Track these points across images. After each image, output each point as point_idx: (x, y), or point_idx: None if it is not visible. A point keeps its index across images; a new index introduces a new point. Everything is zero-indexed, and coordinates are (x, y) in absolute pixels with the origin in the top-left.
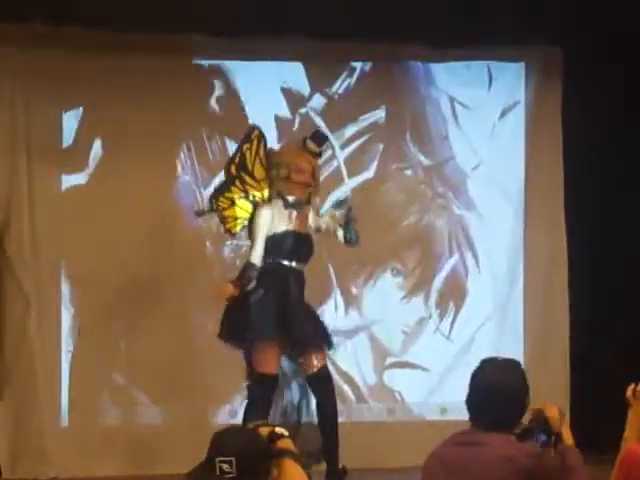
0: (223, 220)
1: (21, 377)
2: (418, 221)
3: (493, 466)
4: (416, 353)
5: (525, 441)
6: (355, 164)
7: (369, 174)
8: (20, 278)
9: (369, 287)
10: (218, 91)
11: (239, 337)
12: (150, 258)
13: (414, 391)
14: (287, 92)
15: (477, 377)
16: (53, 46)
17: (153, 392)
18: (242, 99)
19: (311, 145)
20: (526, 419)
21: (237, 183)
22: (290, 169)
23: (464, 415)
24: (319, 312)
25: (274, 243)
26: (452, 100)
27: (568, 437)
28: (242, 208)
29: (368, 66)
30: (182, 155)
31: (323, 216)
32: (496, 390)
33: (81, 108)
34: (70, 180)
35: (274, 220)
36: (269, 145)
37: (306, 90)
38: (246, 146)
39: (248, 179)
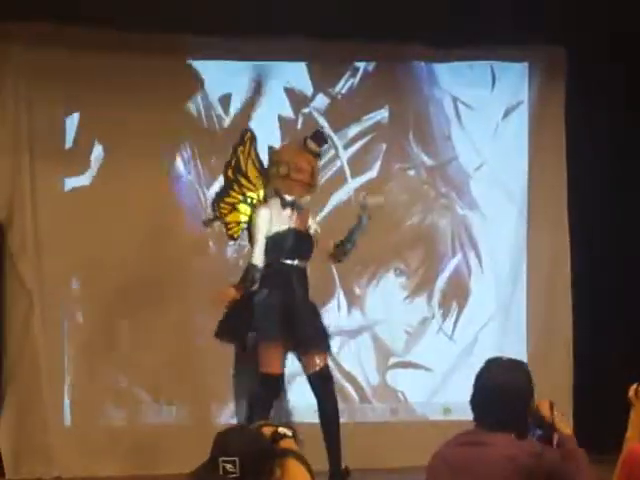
0: (226, 226)
1: (24, 376)
2: (421, 221)
3: (497, 466)
4: (419, 353)
5: (525, 438)
6: (358, 164)
7: (372, 174)
8: (23, 276)
9: (372, 287)
10: (220, 91)
11: (237, 336)
12: (153, 257)
13: (417, 391)
14: (290, 92)
15: (482, 377)
16: (56, 45)
17: (156, 392)
18: (245, 99)
19: (312, 145)
20: None
21: (235, 187)
22: (290, 167)
23: (467, 415)
24: (322, 312)
25: (274, 242)
26: (455, 100)
27: (564, 426)
28: (242, 212)
29: (371, 66)
30: (184, 155)
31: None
32: (501, 390)
33: (84, 107)
34: (72, 179)
35: (272, 219)
36: (271, 144)
37: (309, 90)
38: (240, 149)
39: (244, 181)
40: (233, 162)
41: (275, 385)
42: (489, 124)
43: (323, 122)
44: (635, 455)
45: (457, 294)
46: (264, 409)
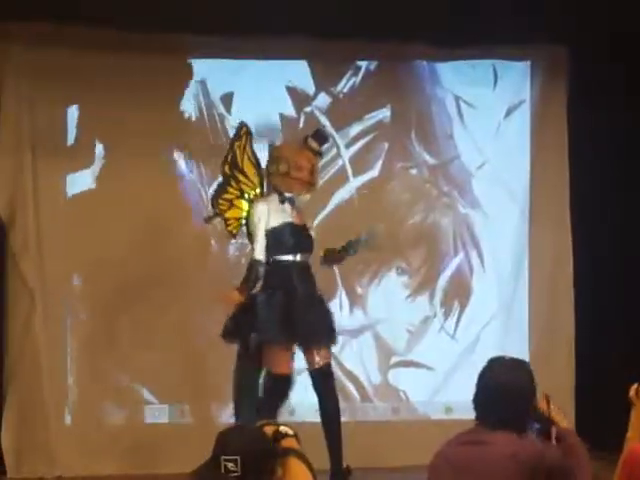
0: (225, 222)
1: (26, 375)
2: (423, 220)
3: (499, 465)
4: (421, 352)
5: (525, 436)
6: (360, 163)
7: (374, 173)
8: (25, 275)
9: (374, 286)
10: (222, 90)
11: (240, 336)
12: (155, 256)
13: (419, 390)
14: (292, 91)
15: (485, 376)
16: (56, 45)
17: (158, 391)
18: (247, 98)
19: (312, 143)
20: None
21: (232, 183)
22: (290, 165)
23: (469, 414)
24: None
25: (273, 237)
26: (457, 99)
27: (560, 419)
28: (240, 208)
29: (373, 65)
30: (186, 154)
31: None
32: (504, 389)
33: (85, 107)
34: (75, 178)
35: (270, 214)
36: (273, 142)
37: (311, 89)
38: (237, 143)
39: (241, 177)
40: (229, 157)
41: (283, 385)
42: (491, 123)
43: (325, 121)
44: (636, 455)
45: (459, 293)
46: (271, 409)
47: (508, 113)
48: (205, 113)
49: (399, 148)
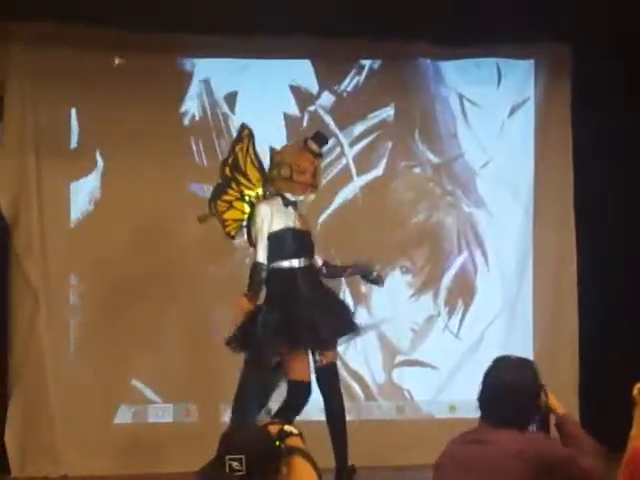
0: (223, 224)
1: (30, 375)
2: (427, 219)
3: (503, 463)
4: (425, 351)
5: (526, 429)
6: (364, 162)
7: (378, 172)
8: (29, 275)
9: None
10: (226, 89)
11: (245, 346)
12: (158, 257)
13: (423, 389)
14: (296, 90)
15: (490, 375)
16: (57, 45)
17: (163, 391)
18: (251, 97)
19: (313, 145)
20: None
21: (233, 185)
22: (292, 169)
23: (473, 413)
24: None
25: (275, 241)
26: (461, 98)
27: (558, 406)
28: (240, 210)
29: (377, 64)
30: (191, 153)
31: None
32: (509, 388)
33: (87, 107)
34: (78, 178)
35: (273, 216)
36: (277, 143)
37: (315, 88)
38: (238, 146)
39: (242, 179)
40: (231, 160)
41: (299, 392)
42: (495, 122)
43: (329, 120)
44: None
45: (463, 292)
46: (288, 416)
47: (512, 112)
48: (209, 112)
49: (403, 147)
